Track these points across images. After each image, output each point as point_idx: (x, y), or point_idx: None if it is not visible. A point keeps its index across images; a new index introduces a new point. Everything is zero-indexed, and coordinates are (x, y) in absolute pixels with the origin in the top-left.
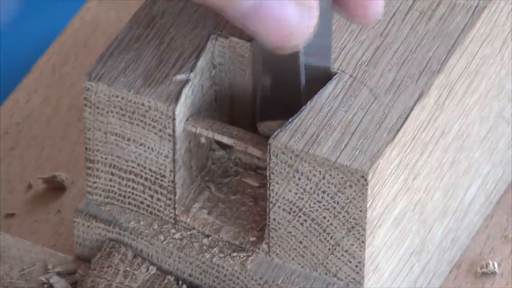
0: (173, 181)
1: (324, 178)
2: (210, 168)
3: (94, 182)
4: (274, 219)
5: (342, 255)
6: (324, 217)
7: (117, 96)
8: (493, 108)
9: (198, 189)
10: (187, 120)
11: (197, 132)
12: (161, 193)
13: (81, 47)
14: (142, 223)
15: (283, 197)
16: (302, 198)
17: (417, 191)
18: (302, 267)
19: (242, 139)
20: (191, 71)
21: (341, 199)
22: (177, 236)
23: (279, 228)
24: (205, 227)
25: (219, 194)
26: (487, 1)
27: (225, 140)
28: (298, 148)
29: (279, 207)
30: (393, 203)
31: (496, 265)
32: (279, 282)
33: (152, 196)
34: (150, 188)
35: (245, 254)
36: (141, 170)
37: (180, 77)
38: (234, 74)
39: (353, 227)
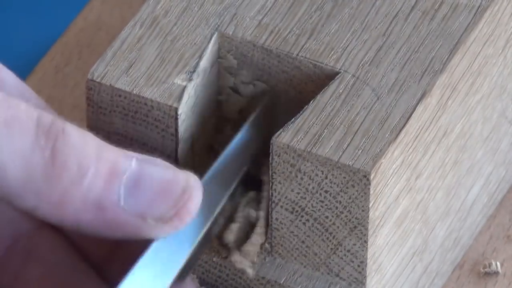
0: None
1: (326, 177)
2: None
3: None
4: (277, 219)
5: (345, 255)
6: (327, 217)
7: (119, 96)
8: (495, 108)
9: None
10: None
11: None
12: None
13: (84, 47)
14: None
15: (286, 197)
16: (305, 198)
17: (419, 191)
18: (305, 266)
19: None
20: (194, 70)
21: (344, 198)
22: None
23: (282, 228)
24: None
25: None
26: (490, 1)
27: None
28: (300, 147)
29: (281, 206)
30: (395, 203)
31: (498, 265)
32: (282, 281)
33: None
34: None
35: None
36: None
37: (183, 76)
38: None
39: (355, 227)
